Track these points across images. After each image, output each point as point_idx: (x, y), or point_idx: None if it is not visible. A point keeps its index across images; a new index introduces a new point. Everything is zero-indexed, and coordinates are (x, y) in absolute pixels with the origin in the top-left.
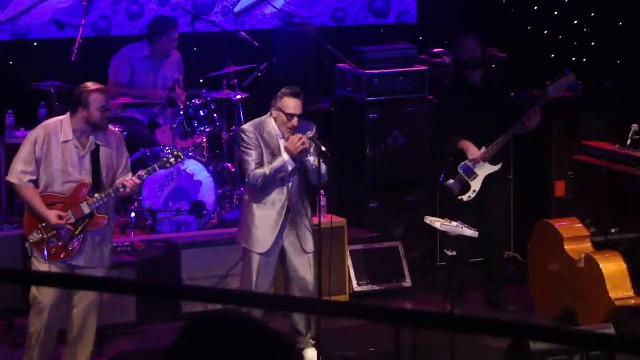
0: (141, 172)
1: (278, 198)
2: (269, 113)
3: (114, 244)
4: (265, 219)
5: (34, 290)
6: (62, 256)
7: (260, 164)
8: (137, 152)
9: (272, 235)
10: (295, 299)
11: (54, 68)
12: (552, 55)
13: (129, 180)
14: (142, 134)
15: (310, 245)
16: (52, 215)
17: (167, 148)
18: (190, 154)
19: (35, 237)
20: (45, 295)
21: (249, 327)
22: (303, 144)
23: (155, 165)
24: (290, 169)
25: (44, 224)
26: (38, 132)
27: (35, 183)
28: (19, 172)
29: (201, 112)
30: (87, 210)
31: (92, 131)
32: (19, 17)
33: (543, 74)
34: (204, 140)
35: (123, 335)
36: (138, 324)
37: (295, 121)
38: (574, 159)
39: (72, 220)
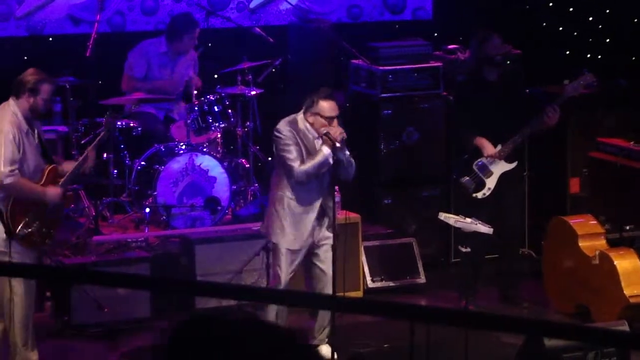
0: (93, 144)
1: (314, 196)
2: (301, 112)
3: (129, 240)
4: (301, 217)
5: (14, 282)
6: (47, 241)
7: (303, 162)
8: (151, 148)
9: (305, 234)
10: (309, 294)
11: (69, 63)
12: (567, 52)
13: (91, 151)
14: (156, 129)
15: (334, 238)
16: (55, 192)
17: (181, 143)
18: (205, 149)
19: (24, 231)
20: (26, 286)
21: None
22: (342, 133)
23: (103, 135)
24: (331, 161)
25: (27, 219)
26: (10, 129)
27: None
28: (8, 171)
29: (215, 107)
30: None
31: (31, 118)
32: (35, 13)
33: (558, 70)
34: (219, 135)
35: (137, 330)
36: (152, 319)
37: (335, 123)
38: (588, 156)
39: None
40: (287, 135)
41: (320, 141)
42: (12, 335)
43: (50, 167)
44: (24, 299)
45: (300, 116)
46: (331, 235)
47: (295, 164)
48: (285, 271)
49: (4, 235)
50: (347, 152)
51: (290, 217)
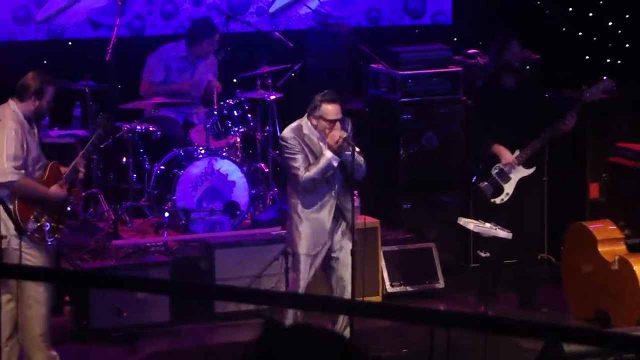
0: (81, 153)
1: (326, 200)
2: (305, 117)
3: (148, 244)
4: (315, 222)
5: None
6: (57, 236)
7: (307, 168)
8: (170, 152)
9: (322, 237)
10: (328, 299)
11: (89, 67)
12: (587, 57)
13: (79, 160)
14: (176, 134)
15: (353, 240)
16: (60, 190)
17: (200, 147)
18: (224, 153)
19: (33, 226)
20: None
21: (324, 339)
22: (342, 135)
23: (92, 140)
24: (335, 164)
25: (35, 214)
26: (14, 126)
27: None
28: (13, 168)
29: (235, 112)
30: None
31: (32, 120)
32: (55, 17)
33: (577, 75)
34: (238, 140)
35: (156, 334)
36: (171, 324)
37: (338, 125)
38: (607, 161)
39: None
40: (292, 144)
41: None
42: (27, 340)
43: (52, 163)
44: (42, 303)
45: (304, 120)
46: (349, 239)
47: (300, 172)
48: (304, 277)
49: (14, 232)
50: (350, 152)
51: (305, 222)
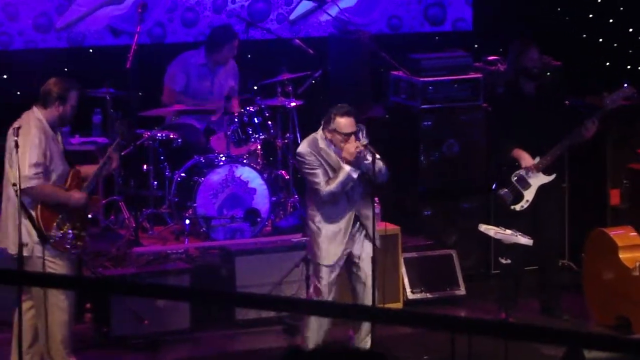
0: (112, 147)
1: (344, 211)
2: (320, 130)
3: (169, 251)
4: (332, 233)
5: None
6: (79, 243)
7: (327, 182)
8: (191, 159)
9: (339, 248)
10: (349, 306)
11: (109, 75)
12: (607, 63)
13: (112, 154)
14: (197, 141)
15: (377, 241)
16: (79, 195)
17: (221, 155)
18: (245, 161)
19: (57, 233)
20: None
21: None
22: (357, 147)
23: (118, 140)
24: (355, 176)
25: (58, 220)
26: (38, 134)
27: None
28: (33, 174)
29: (255, 119)
30: (86, 193)
31: (57, 125)
32: (75, 25)
33: (598, 82)
34: (258, 147)
35: (177, 341)
36: (192, 331)
37: (352, 139)
38: (628, 167)
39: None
40: (310, 159)
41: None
42: (48, 346)
43: (74, 170)
44: (64, 310)
45: (319, 134)
46: (370, 246)
47: (321, 186)
48: (326, 285)
49: (37, 239)
50: (369, 160)
51: (323, 233)
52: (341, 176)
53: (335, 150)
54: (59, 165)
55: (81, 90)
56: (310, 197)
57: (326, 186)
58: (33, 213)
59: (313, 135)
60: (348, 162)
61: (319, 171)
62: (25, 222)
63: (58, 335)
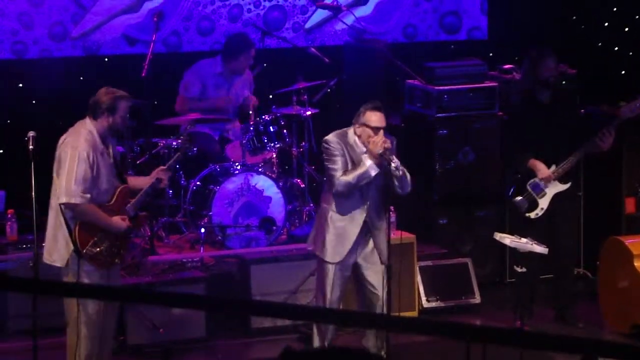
0: (167, 165)
1: (357, 213)
2: (352, 127)
3: (184, 260)
4: (342, 231)
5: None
6: (117, 261)
7: (345, 172)
8: (206, 168)
9: (346, 247)
10: (364, 314)
11: (125, 84)
12: (622, 72)
13: (161, 172)
14: (212, 149)
15: (385, 258)
16: (122, 223)
17: (236, 163)
18: (260, 169)
19: (92, 250)
20: (95, 303)
21: None
22: (385, 142)
23: (179, 153)
24: (373, 173)
25: (95, 239)
26: (86, 148)
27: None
28: (80, 191)
29: (271, 127)
30: (132, 213)
31: (109, 137)
32: (91, 33)
33: (613, 90)
34: (274, 155)
35: (192, 350)
36: (207, 339)
37: (380, 134)
38: None
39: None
40: (334, 147)
41: (366, 155)
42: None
43: (122, 187)
44: (91, 320)
45: (351, 130)
46: (379, 256)
47: (337, 174)
48: (330, 287)
49: (74, 253)
50: (396, 164)
51: (332, 230)
52: (360, 169)
53: (362, 150)
54: (105, 181)
55: (131, 100)
56: (326, 191)
57: (342, 175)
58: (72, 227)
59: (345, 129)
60: (372, 157)
61: (340, 159)
62: (65, 233)
63: (83, 350)
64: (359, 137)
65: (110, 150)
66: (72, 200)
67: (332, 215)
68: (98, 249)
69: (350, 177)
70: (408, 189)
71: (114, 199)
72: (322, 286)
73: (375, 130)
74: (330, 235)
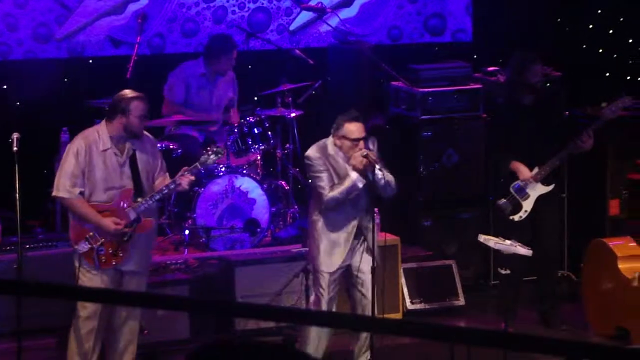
0: (186, 169)
1: (348, 219)
2: (330, 136)
3: (168, 262)
4: (335, 240)
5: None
6: (113, 263)
7: (332, 188)
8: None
9: (340, 256)
10: (349, 316)
11: (110, 85)
12: (607, 74)
13: (184, 177)
14: (196, 151)
15: (373, 260)
16: (110, 224)
17: (221, 165)
18: (245, 171)
19: (83, 247)
20: (92, 304)
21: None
22: (366, 156)
23: (197, 164)
24: (360, 185)
25: (91, 234)
26: (78, 143)
27: (82, 194)
28: (68, 185)
29: (255, 129)
30: (132, 216)
31: (127, 138)
32: (75, 35)
33: (598, 92)
34: (258, 157)
35: (176, 351)
36: (191, 341)
37: (361, 144)
38: (628, 178)
39: (125, 229)
40: (317, 162)
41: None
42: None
43: (124, 189)
44: (89, 320)
45: (329, 140)
46: (370, 258)
47: (325, 191)
48: (325, 294)
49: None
50: (379, 172)
51: (325, 240)
52: (347, 183)
53: (343, 158)
54: (101, 180)
55: (145, 100)
56: (315, 202)
57: (330, 192)
58: (70, 220)
59: (324, 140)
60: (355, 170)
61: (325, 175)
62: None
63: (73, 346)
64: (340, 148)
65: (126, 152)
66: (60, 194)
67: (324, 226)
68: (90, 246)
69: (338, 193)
70: (392, 193)
71: (112, 201)
72: (318, 294)
73: (355, 141)
74: (323, 245)
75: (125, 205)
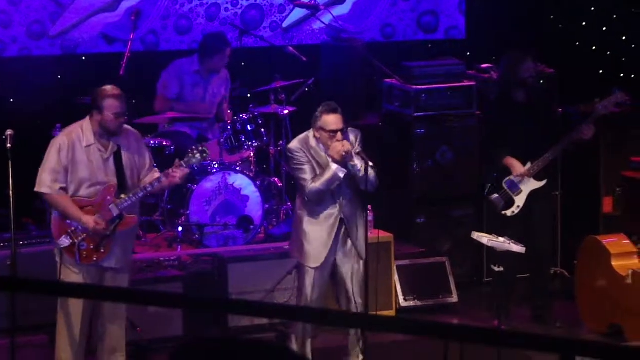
0: (177, 162)
1: (330, 212)
2: (312, 129)
3: (161, 258)
4: (318, 234)
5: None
6: (95, 259)
7: (314, 179)
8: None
9: (324, 249)
10: (342, 313)
11: (103, 82)
12: (600, 71)
13: (176, 171)
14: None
15: (363, 253)
16: (90, 220)
17: (214, 162)
18: (238, 168)
19: (64, 241)
20: (75, 300)
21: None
22: (344, 146)
23: (181, 162)
24: (341, 175)
25: (72, 228)
26: (61, 139)
27: (64, 190)
28: (49, 181)
29: (248, 126)
30: (115, 212)
31: (104, 135)
32: (69, 32)
33: (591, 89)
34: (251, 154)
35: (170, 349)
36: (184, 338)
37: (339, 136)
38: (621, 175)
39: (104, 228)
40: (299, 155)
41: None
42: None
43: (107, 185)
44: (69, 317)
45: (311, 133)
46: (357, 254)
47: (307, 183)
48: (310, 289)
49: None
50: (358, 164)
51: (309, 234)
52: (328, 174)
53: (325, 150)
54: (85, 176)
55: (122, 98)
56: (298, 197)
57: (312, 183)
58: (53, 214)
59: (306, 133)
60: (335, 161)
61: (307, 167)
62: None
63: (59, 343)
64: (319, 139)
65: (110, 149)
66: (41, 189)
67: (307, 220)
68: (71, 241)
69: (319, 184)
70: (374, 186)
71: (96, 196)
72: (303, 288)
73: (332, 133)
74: (307, 240)
75: (108, 201)
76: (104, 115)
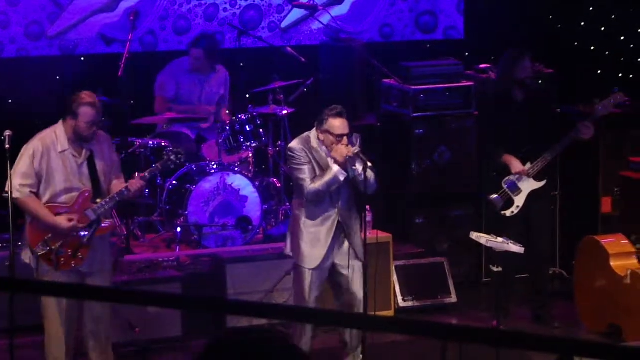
0: (144, 173)
1: (328, 214)
2: (314, 129)
3: (160, 259)
4: (315, 235)
5: (44, 298)
6: (73, 264)
7: (313, 180)
8: (182, 167)
9: (322, 251)
10: (341, 314)
11: (101, 83)
12: (599, 71)
13: (133, 182)
14: (188, 149)
15: (362, 255)
16: (63, 221)
17: (213, 162)
18: (236, 168)
19: (41, 249)
20: (55, 302)
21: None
22: (349, 150)
23: (158, 165)
24: (342, 178)
25: (49, 235)
26: (35, 145)
27: (37, 196)
28: (18, 185)
29: (247, 127)
30: (92, 217)
31: (76, 140)
32: (67, 32)
33: (590, 89)
34: (250, 155)
35: (168, 349)
36: (183, 339)
37: (345, 140)
38: (620, 175)
39: (81, 226)
40: (299, 154)
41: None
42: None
43: (83, 190)
44: (55, 319)
45: (313, 133)
46: (355, 256)
47: (307, 183)
48: (308, 291)
49: (30, 251)
50: (360, 167)
51: (306, 235)
52: (328, 176)
53: (326, 152)
54: (59, 182)
55: (96, 107)
56: (296, 197)
57: (311, 184)
58: (27, 222)
59: (307, 133)
60: (337, 163)
61: (307, 167)
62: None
63: (52, 351)
64: (323, 142)
65: (84, 154)
66: (14, 195)
67: (305, 221)
68: (48, 248)
69: (319, 185)
70: (373, 189)
71: (72, 202)
72: (300, 290)
73: (339, 137)
74: (304, 241)
75: (84, 206)
76: (78, 122)
